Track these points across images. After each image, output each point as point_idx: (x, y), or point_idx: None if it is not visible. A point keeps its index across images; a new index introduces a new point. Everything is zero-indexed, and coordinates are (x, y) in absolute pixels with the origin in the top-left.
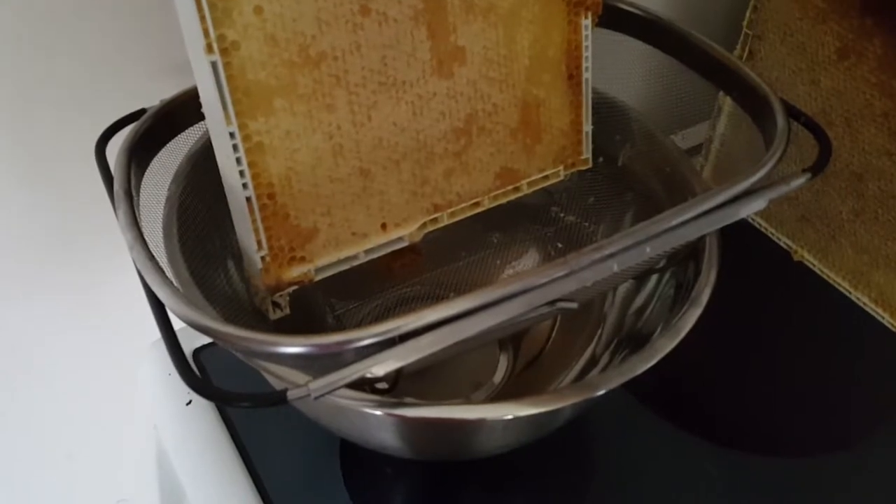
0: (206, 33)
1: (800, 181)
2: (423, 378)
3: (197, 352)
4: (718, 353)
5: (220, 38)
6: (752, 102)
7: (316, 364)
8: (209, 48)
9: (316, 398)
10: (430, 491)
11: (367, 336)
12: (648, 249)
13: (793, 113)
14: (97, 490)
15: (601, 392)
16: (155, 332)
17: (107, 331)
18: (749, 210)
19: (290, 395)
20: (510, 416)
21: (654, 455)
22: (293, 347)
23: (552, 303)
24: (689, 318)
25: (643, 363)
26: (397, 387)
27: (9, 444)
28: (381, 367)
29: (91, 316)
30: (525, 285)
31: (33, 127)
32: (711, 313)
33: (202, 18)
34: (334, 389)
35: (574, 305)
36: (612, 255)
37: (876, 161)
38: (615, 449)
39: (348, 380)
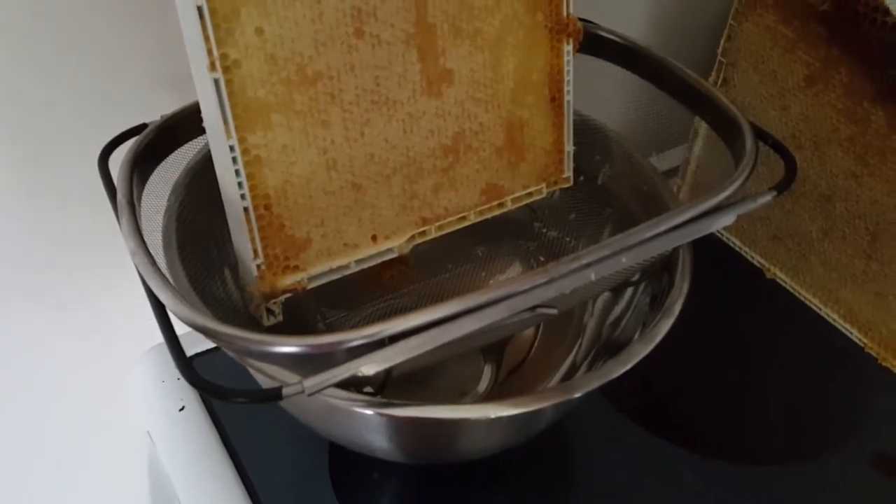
0: (209, 52)
1: (766, 198)
2: (409, 386)
3: (191, 360)
4: (695, 367)
5: (223, 56)
6: (724, 125)
7: (308, 364)
8: (212, 66)
9: (310, 395)
10: (417, 495)
11: (357, 337)
12: (624, 260)
13: (761, 135)
14: (89, 498)
15: (579, 394)
16: (149, 340)
17: (101, 338)
18: (718, 224)
19: (286, 391)
20: (493, 416)
21: (631, 461)
22: (288, 347)
23: (533, 308)
24: (663, 327)
25: (619, 367)
26: (385, 390)
27: (0, 452)
28: (370, 366)
29: (85, 324)
30: (508, 291)
31: (38, 139)
32: (688, 329)
33: (206, 38)
34: (327, 386)
35: (554, 311)
36: (589, 265)
37: (843, 183)
38: (595, 455)
39: (340, 377)
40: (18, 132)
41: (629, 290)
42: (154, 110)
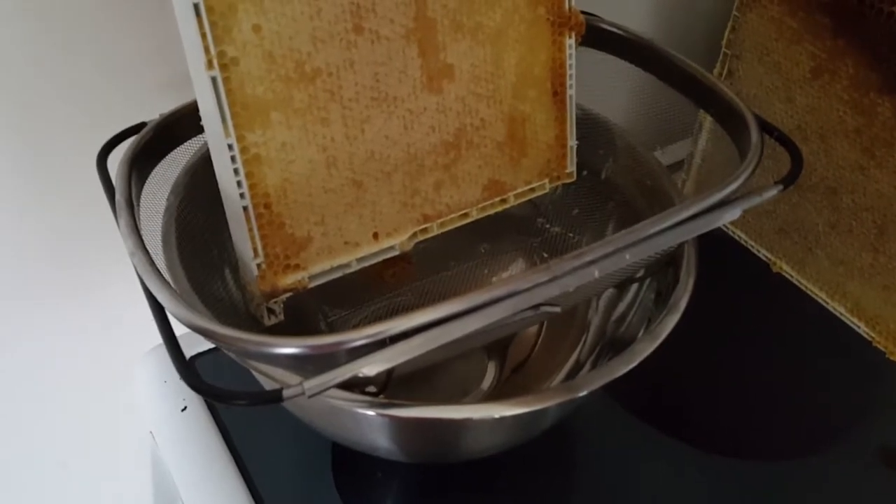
0: (206, 50)
1: (772, 192)
2: (412, 386)
3: (191, 361)
4: (701, 362)
5: (221, 54)
6: (729, 118)
7: (309, 365)
8: (210, 64)
9: (310, 397)
10: (421, 494)
11: (359, 338)
12: (628, 256)
13: (766, 128)
14: (91, 498)
15: (583, 393)
16: (151, 340)
17: (102, 338)
18: (724, 219)
19: (286, 393)
20: (497, 416)
21: (637, 459)
22: (289, 348)
23: (536, 307)
24: (668, 324)
25: (623, 365)
26: (387, 390)
27: (2, 453)
28: (372, 367)
29: (87, 324)
30: (510, 289)
31: (37, 139)
32: (694, 323)
33: (203, 36)
34: (327, 388)
35: (557, 309)
36: (593, 262)
37: (849, 175)
38: (600, 453)
39: (340, 379)
40: (17, 131)
41: (634, 287)
42: (153, 109)
